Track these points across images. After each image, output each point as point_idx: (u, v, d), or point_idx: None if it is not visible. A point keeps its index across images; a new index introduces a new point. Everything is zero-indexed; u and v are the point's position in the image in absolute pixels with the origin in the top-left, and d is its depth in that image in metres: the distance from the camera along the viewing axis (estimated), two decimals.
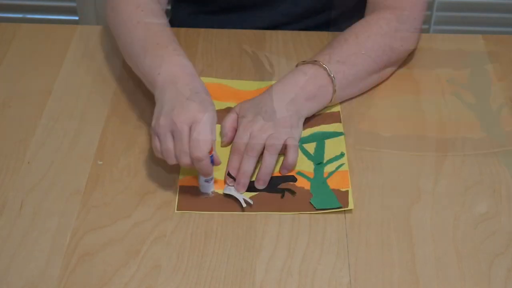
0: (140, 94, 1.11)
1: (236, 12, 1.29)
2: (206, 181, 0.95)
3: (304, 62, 1.08)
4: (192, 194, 0.97)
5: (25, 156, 1.02)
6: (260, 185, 0.98)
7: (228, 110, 1.08)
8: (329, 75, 1.06)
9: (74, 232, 0.92)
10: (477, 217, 0.95)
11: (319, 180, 0.99)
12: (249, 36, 1.26)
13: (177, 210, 0.95)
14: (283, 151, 1.00)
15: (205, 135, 0.91)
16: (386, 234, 0.92)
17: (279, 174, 1.00)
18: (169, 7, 1.29)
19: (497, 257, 0.89)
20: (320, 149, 1.04)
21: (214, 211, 0.95)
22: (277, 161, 0.99)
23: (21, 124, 1.08)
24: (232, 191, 0.97)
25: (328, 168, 1.01)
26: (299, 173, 1.00)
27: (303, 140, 1.05)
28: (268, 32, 1.27)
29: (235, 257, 0.89)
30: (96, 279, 0.86)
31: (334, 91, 1.07)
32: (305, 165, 1.01)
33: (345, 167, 1.01)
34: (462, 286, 0.86)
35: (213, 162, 0.93)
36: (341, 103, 1.11)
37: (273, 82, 1.09)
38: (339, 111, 1.10)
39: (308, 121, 1.07)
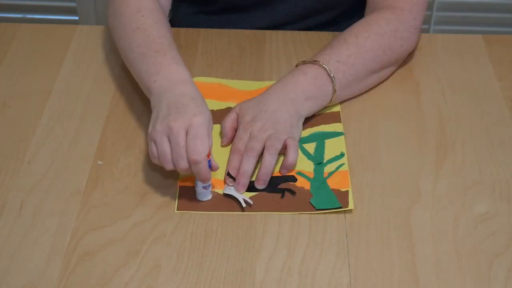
0: (140, 94, 1.11)
1: (236, 12, 1.29)
2: (204, 187, 0.95)
3: (304, 62, 1.08)
4: (192, 194, 0.97)
5: (25, 156, 1.02)
6: (260, 185, 0.98)
7: (228, 110, 1.08)
8: (329, 75, 1.06)
9: (74, 232, 0.92)
10: (477, 217, 0.95)
11: (319, 180, 0.99)
12: (249, 36, 1.26)
13: (177, 210, 0.95)
14: (283, 151, 1.00)
15: (201, 138, 0.91)
16: (386, 234, 0.92)
17: (279, 174, 1.00)
18: (170, 7, 1.29)
19: (497, 257, 0.89)
20: (320, 149, 1.04)
21: (214, 211, 0.95)
22: (277, 161, 0.99)
23: (21, 124, 1.08)
24: (232, 191, 0.97)
25: (328, 168, 1.01)
26: (299, 173, 1.00)
27: (303, 140, 1.05)
28: (268, 32, 1.27)
29: (235, 257, 0.89)
30: (96, 279, 0.86)
31: (334, 91, 1.07)
32: (305, 165, 1.01)
33: (345, 167, 1.01)
34: (462, 286, 0.86)
35: (210, 167, 0.93)
36: (341, 103, 1.12)
37: (273, 82, 1.09)
38: (339, 111, 1.10)
39: (308, 121, 1.08)
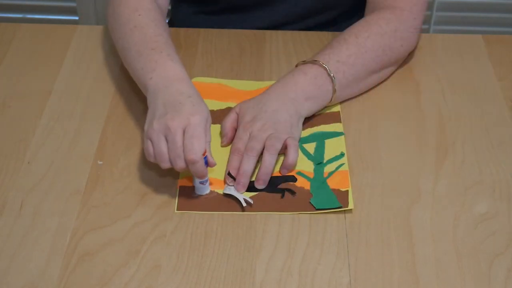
0: (140, 95, 1.11)
1: (236, 12, 1.29)
2: (201, 183, 0.95)
3: (304, 62, 1.08)
4: (192, 194, 0.97)
5: (25, 156, 1.02)
6: (260, 185, 0.98)
7: (228, 110, 1.08)
8: (329, 75, 1.06)
9: (74, 232, 0.92)
10: (477, 217, 0.95)
11: (319, 180, 0.99)
12: (249, 36, 1.26)
13: (177, 210, 0.95)
14: (283, 151, 1.00)
15: (198, 137, 0.91)
16: (386, 234, 0.92)
17: (279, 174, 1.00)
18: (169, 7, 1.29)
19: (497, 257, 0.89)
20: (320, 149, 1.04)
21: (214, 211, 0.95)
22: (277, 161, 0.99)
23: (21, 124, 1.08)
24: (232, 191, 0.97)
25: (328, 168, 1.01)
26: (299, 173, 1.00)
27: (303, 140, 1.05)
28: (268, 32, 1.27)
29: (235, 257, 0.89)
30: (96, 279, 0.86)
31: (334, 91, 1.07)
32: (305, 165, 1.01)
33: (345, 167, 1.01)
34: (462, 286, 0.86)
35: (207, 163, 0.93)
36: (341, 103, 1.12)
37: (273, 82, 1.09)
38: (339, 111, 1.10)
39: (308, 121, 1.08)
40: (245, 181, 0.97)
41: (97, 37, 1.26)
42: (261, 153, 0.99)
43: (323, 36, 1.26)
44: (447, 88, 1.16)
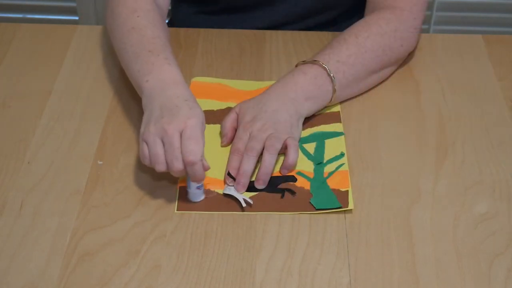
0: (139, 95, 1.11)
1: (236, 12, 1.29)
2: (198, 188, 0.95)
3: (304, 62, 1.08)
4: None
5: (25, 156, 1.02)
6: (260, 185, 0.98)
7: (228, 110, 1.08)
8: (329, 75, 1.06)
9: (74, 232, 0.92)
10: (477, 217, 0.95)
11: (319, 180, 0.99)
12: (249, 36, 1.26)
13: (177, 210, 0.95)
14: (283, 151, 1.00)
15: (196, 139, 0.90)
16: (386, 234, 0.92)
17: (279, 174, 1.00)
18: (169, 7, 1.29)
19: (497, 257, 0.89)
20: (320, 149, 1.04)
21: (214, 211, 0.95)
22: (277, 161, 0.99)
23: (21, 124, 1.08)
24: (232, 191, 0.97)
25: (328, 168, 1.01)
26: (299, 173, 1.00)
27: (303, 140, 1.05)
28: (268, 32, 1.27)
29: (235, 257, 0.89)
30: (96, 279, 0.86)
31: (334, 91, 1.07)
32: (305, 165, 1.01)
33: (345, 167, 1.01)
34: (462, 286, 0.86)
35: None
36: (341, 103, 1.12)
37: (273, 82, 1.09)
38: (339, 111, 1.10)
39: (308, 121, 1.08)
40: (245, 181, 0.97)
41: (97, 37, 1.26)
42: (261, 153, 0.99)
43: (323, 36, 1.26)
44: (447, 88, 1.16)
